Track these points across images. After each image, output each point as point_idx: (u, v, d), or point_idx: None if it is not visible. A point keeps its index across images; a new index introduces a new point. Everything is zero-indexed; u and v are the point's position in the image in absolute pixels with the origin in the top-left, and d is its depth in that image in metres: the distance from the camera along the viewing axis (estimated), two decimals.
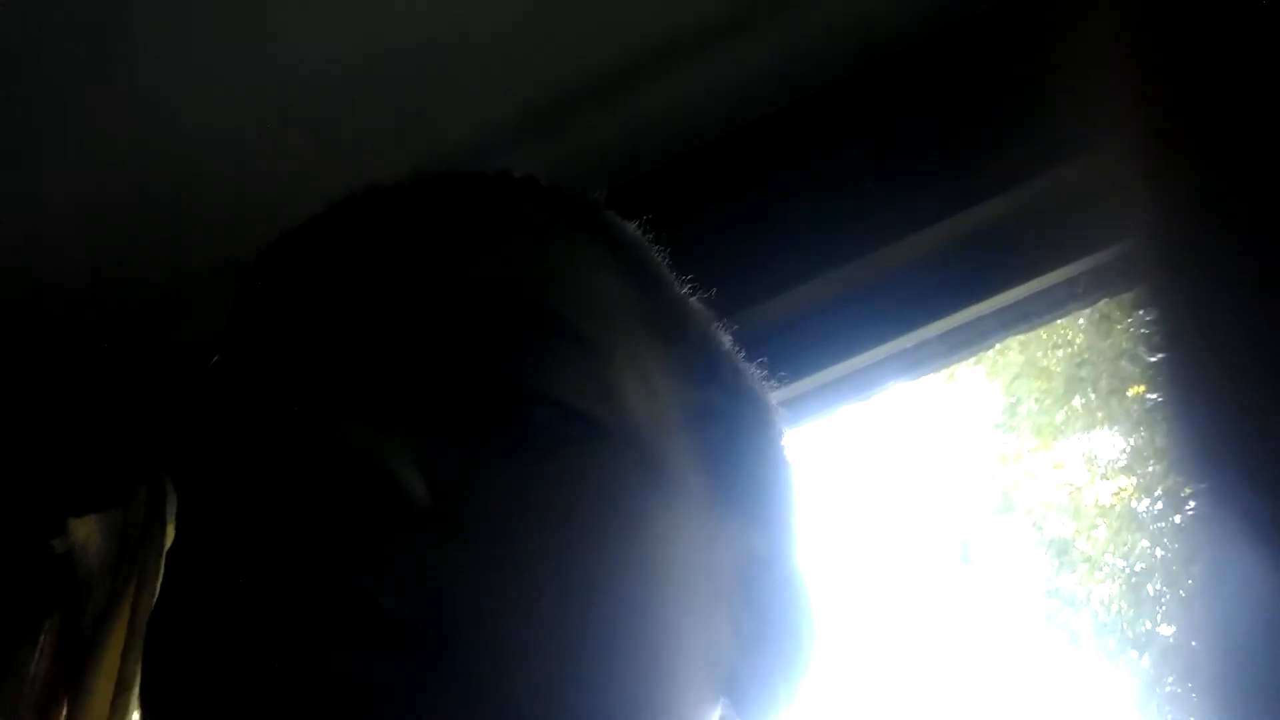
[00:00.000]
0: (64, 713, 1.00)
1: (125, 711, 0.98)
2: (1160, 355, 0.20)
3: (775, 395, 1.09)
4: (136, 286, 1.24)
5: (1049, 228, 0.89)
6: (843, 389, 1.00)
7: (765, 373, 0.46)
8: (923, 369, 1.03)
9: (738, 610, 0.37)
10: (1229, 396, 0.19)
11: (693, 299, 0.43)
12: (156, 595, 0.35)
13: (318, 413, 0.32)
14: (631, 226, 0.42)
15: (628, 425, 0.34)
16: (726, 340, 0.43)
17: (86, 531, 1.09)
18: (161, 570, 1.08)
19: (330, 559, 0.29)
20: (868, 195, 0.96)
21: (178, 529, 0.36)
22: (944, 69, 0.96)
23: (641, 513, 0.33)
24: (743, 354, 0.44)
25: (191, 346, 1.28)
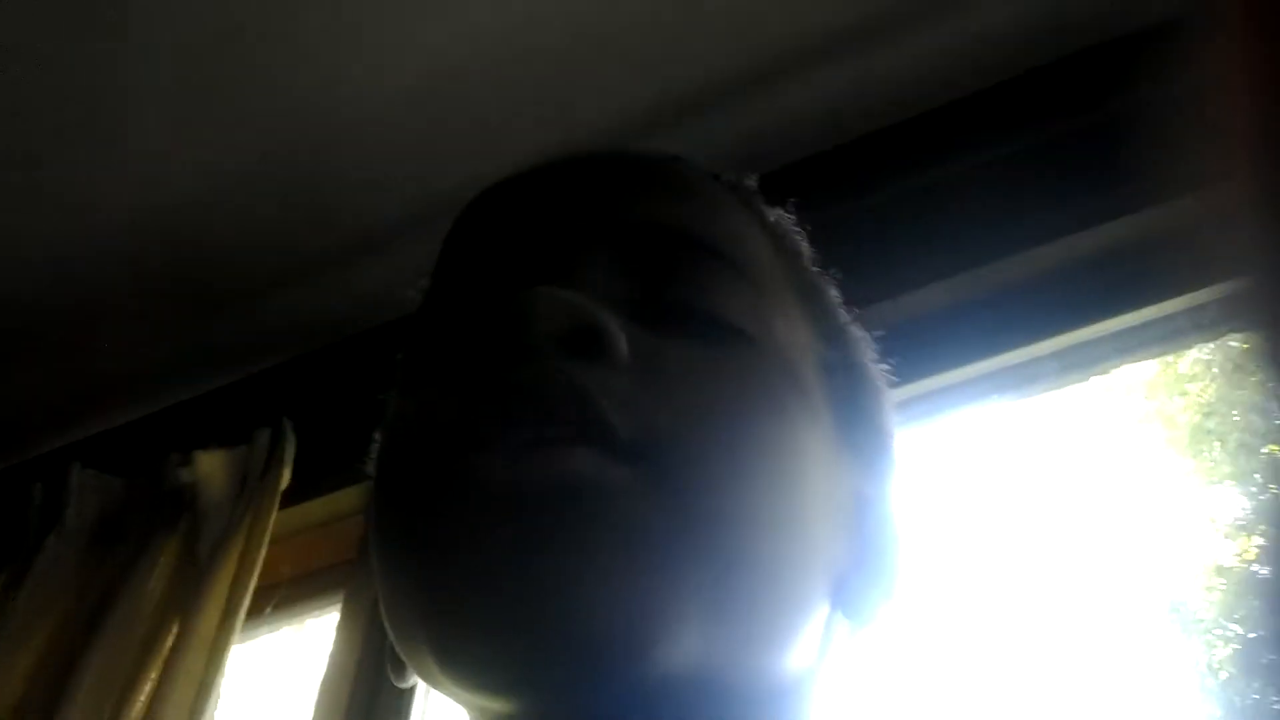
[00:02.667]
0: (175, 629, 1.07)
1: (230, 634, 1.04)
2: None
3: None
4: (281, 246, 1.31)
5: (1174, 254, 0.88)
6: (948, 398, 1.00)
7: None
8: (1033, 387, 1.01)
9: (851, 534, 0.43)
10: None
11: (825, 278, 0.49)
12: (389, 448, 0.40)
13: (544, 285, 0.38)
14: (776, 209, 0.49)
15: (775, 344, 0.41)
16: (848, 316, 0.50)
17: (211, 465, 1.16)
18: (275, 509, 1.14)
19: (566, 371, 0.35)
20: (994, 208, 0.95)
21: (402, 388, 0.42)
22: (1081, 87, 0.95)
23: (787, 410, 0.39)
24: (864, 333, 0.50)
25: (328, 304, 1.35)
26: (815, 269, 0.49)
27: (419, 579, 0.36)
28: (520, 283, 0.39)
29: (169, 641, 1.06)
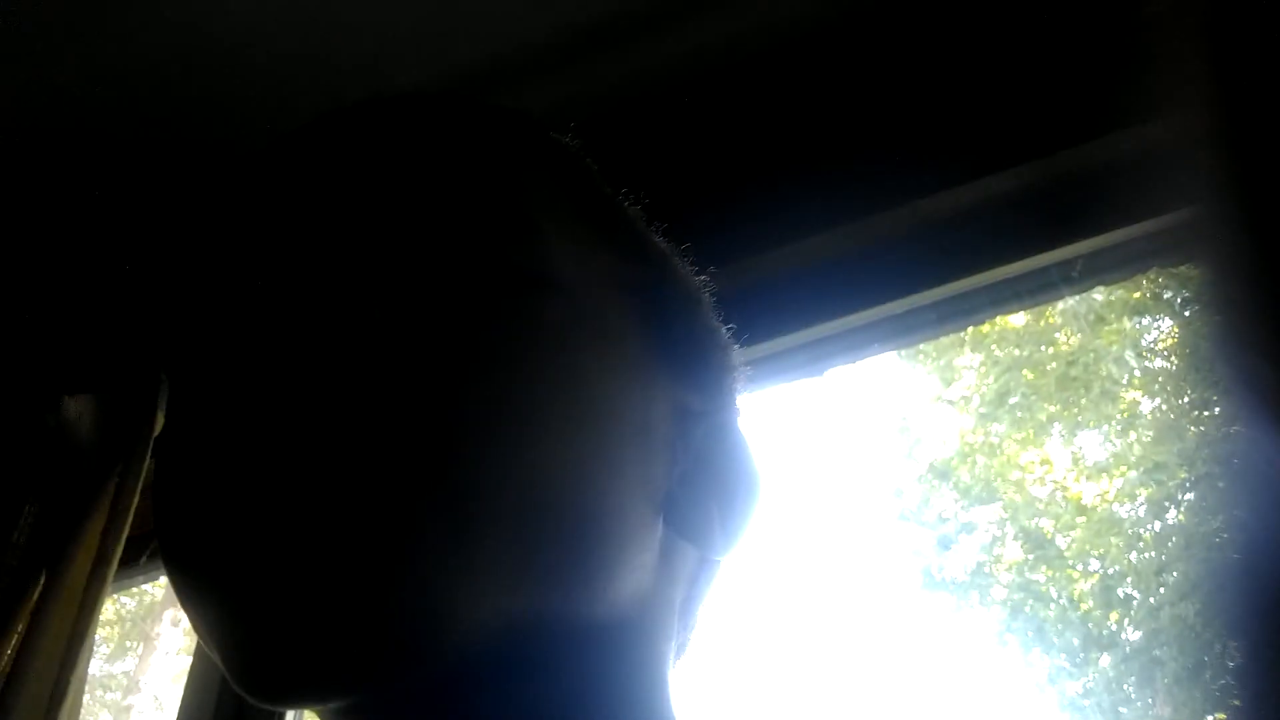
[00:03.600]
0: (42, 581, 1.03)
1: (103, 584, 1.01)
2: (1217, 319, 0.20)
3: (764, 349, 1.09)
4: (156, 169, 1.25)
5: (1049, 207, 0.91)
6: (830, 349, 1.02)
7: (740, 331, 0.50)
8: (911, 338, 1.04)
9: (675, 451, 0.42)
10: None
11: (622, 199, 0.48)
12: (154, 470, 0.41)
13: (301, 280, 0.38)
14: (563, 139, 0.47)
15: (558, 281, 0.40)
16: (655, 232, 0.49)
17: (79, 409, 1.11)
18: (149, 456, 1.10)
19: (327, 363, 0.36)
20: (870, 160, 0.97)
21: (171, 401, 0.41)
22: (957, 35, 0.97)
23: (568, 347, 0.39)
24: (681, 249, 0.48)
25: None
26: (606, 189, 0.47)
27: (218, 624, 0.36)
28: (275, 276, 0.39)
29: (36, 593, 1.02)
